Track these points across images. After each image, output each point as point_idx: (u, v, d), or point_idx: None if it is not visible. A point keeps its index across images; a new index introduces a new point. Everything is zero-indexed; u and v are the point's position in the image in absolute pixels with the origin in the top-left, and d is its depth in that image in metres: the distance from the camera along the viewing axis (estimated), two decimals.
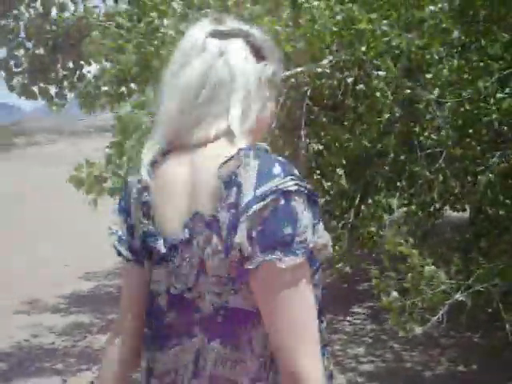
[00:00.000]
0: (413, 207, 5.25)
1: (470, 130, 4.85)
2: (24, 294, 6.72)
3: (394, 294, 3.48)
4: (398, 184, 5.46)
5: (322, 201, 5.08)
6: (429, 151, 5.20)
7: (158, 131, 1.28)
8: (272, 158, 1.15)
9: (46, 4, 4.95)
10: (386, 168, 5.52)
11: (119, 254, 1.32)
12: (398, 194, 5.66)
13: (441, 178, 5.31)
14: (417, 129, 5.31)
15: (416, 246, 3.83)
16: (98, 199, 3.95)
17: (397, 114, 4.78)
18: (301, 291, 1.11)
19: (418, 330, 4.20)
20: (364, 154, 5.07)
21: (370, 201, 5.22)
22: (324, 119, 4.57)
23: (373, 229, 4.91)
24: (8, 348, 5.21)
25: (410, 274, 3.51)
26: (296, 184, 1.11)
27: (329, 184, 4.98)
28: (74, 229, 10.70)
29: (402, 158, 5.47)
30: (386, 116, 4.68)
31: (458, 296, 3.49)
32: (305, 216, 1.11)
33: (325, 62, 4.16)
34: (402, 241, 3.74)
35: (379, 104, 4.39)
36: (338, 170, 4.58)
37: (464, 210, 5.73)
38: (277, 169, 1.12)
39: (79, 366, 4.79)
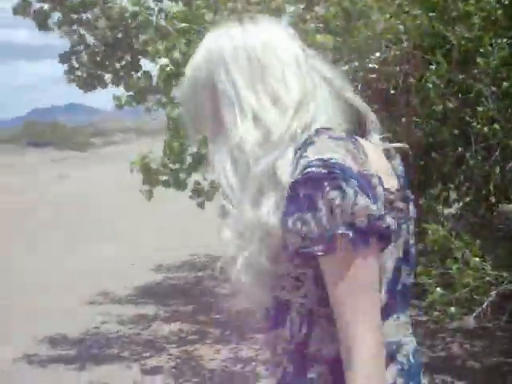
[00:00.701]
0: (467, 199, 5.26)
1: None
2: (97, 287, 7.06)
3: (438, 290, 3.53)
4: (456, 177, 5.47)
5: None
6: (484, 144, 5.21)
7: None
8: None
9: (106, 11, 5.24)
10: (443, 161, 5.54)
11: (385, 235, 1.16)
12: (454, 186, 5.68)
13: (498, 170, 5.30)
14: (473, 121, 5.30)
15: (464, 239, 3.86)
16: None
17: (450, 105, 4.79)
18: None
19: (469, 320, 4.25)
20: (419, 146, 5.10)
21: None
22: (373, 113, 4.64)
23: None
24: (79, 335, 5.55)
25: (455, 267, 3.54)
26: None
27: None
28: (145, 223, 11.05)
29: (460, 150, 5.49)
30: (440, 107, 4.68)
31: (503, 286, 3.51)
32: None
33: (374, 57, 4.24)
34: (448, 234, 3.79)
35: (432, 96, 4.41)
36: None
37: None
38: None
39: (143, 354, 5.06)
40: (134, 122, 37.68)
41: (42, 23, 5.32)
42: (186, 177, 3.81)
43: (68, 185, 18.58)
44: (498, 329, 4.94)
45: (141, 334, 5.53)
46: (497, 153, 4.96)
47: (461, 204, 5.59)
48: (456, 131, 5.30)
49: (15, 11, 5.60)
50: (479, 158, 5.19)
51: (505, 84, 4.49)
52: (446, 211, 5.57)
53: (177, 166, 3.72)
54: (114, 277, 7.43)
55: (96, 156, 30.40)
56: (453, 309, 3.56)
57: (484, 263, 3.55)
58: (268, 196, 1.18)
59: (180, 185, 3.85)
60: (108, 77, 5.68)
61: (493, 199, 5.62)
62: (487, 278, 3.56)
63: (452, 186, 5.70)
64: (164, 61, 4.03)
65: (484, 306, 3.50)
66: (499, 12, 4.26)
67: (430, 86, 4.09)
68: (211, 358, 4.81)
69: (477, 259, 3.53)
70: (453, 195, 5.65)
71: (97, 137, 40.89)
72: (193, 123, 1.38)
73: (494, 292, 3.52)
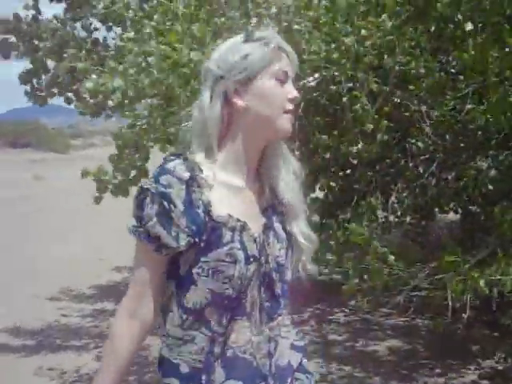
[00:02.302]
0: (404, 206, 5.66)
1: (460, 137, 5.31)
2: (59, 284, 7.43)
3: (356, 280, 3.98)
4: (393, 187, 5.89)
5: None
6: (422, 158, 5.70)
7: None
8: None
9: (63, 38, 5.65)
10: (385, 173, 5.99)
11: None
12: (395, 197, 6.10)
13: (434, 182, 5.78)
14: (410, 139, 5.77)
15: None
16: None
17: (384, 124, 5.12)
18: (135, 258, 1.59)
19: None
20: (357, 160, 5.49)
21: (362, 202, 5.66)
22: (310, 128, 5.04)
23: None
24: (39, 327, 5.93)
25: (373, 262, 3.95)
26: (147, 183, 1.49)
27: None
28: (110, 224, 11.38)
29: (402, 162, 5.97)
30: (370, 127, 4.94)
31: (414, 283, 3.97)
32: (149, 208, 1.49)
33: (311, 78, 4.63)
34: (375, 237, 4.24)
35: (361, 116, 4.74)
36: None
37: (456, 212, 6.16)
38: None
39: (99, 344, 5.44)
40: (111, 125, 37.77)
41: (7, 54, 5.73)
42: (130, 187, 4.32)
43: (43, 186, 18.86)
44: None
45: (98, 326, 5.92)
46: (434, 165, 5.41)
47: (399, 213, 6.02)
48: (395, 146, 5.75)
49: None
50: (419, 170, 5.70)
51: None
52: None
53: (124, 177, 4.26)
54: (76, 276, 7.78)
55: (76, 158, 30.54)
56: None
57: (397, 262, 3.99)
58: None
59: (124, 193, 4.36)
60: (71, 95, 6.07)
61: (428, 209, 6.07)
62: (401, 274, 4.00)
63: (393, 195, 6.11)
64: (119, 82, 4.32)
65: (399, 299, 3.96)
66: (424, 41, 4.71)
67: (358, 106, 4.48)
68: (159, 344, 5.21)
69: (392, 257, 3.97)
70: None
71: (77, 139, 41.15)
72: None
73: (407, 287, 3.97)
